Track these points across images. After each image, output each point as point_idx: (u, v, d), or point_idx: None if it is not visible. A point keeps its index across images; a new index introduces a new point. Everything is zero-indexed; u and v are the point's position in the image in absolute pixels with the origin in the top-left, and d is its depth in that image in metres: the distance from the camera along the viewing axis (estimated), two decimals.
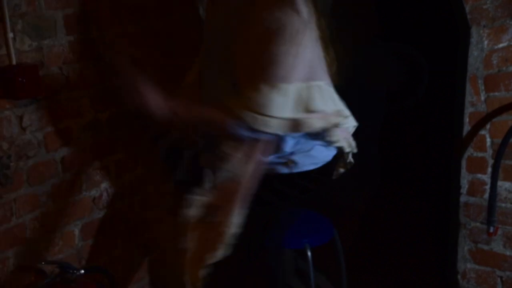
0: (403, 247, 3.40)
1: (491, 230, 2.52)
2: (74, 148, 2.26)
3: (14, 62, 1.97)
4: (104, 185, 2.40)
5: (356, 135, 2.19)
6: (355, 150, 2.16)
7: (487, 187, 2.58)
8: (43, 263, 2.14)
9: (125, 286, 2.55)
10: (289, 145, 1.99)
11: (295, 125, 1.88)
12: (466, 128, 2.61)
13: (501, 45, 2.48)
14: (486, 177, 2.60)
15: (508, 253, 2.62)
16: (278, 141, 1.96)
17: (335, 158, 2.14)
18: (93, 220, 2.38)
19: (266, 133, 1.86)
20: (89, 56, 2.26)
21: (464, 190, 2.67)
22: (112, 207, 2.45)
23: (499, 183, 2.54)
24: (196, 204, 1.95)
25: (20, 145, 2.07)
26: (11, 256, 2.08)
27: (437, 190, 3.50)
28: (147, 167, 2.57)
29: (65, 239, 2.27)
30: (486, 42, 2.49)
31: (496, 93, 2.52)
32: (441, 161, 3.53)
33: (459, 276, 2.75)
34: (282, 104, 1.83)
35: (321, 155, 2.08)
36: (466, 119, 2.60)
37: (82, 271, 2.15)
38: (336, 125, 2.01)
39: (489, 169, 2.58)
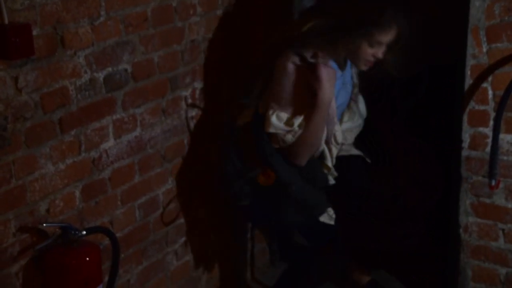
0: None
1: (493, 183, 2.50)
2: (72, 108, 2.24)
3: (6, 22, 1.94)
4: (103, 145, 2.39)
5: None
6: None
7: (489, 140, 2.56)
8: (44, 224, 2.15)
9: (128, 246, 2.56)
10: None
11: None
12: (468, 81, 2.57)
13: None
14: (488, 131, 2.58)
15: (510, 205, 2.61)
16: None
17: None
18: (93, 181, 2.38)
19: None
20: (84, 14, 2.22)
21: (465, 144, 2.65)
22: (112, 168, 2.44)
23: (501, 136, 2.52)
24: None
25: (17, 106, 2.05)
26: (12, 218, 2.08)
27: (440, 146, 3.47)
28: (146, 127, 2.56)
29: (65, 200, 2.27)
30: None
31: (499, 44, 2.48)
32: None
33: (461, 230, 2.75)
34: None
35: None
36: (468, 72, 2.56)
37: (84, 232, 2.16)
38: None
39: (491, 122, 2.56)
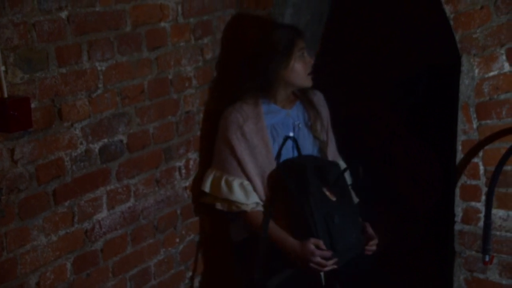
0: (400, 276, 3.37)
1: (487, 258, 2.50)
2: (66, 180, 2.24)
3: (5, 95, 1.97)
4: (96, 216, 2.38)
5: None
6: None
7: (482, 215, 2.58)
8: None
9: None
10: None
11: None
12: (459, 156, 2.61)
13: (491, 74, 2.50)
14: (480, 205, 2.60)
15: (504, 282, 2.60)
16: None
17: None
18: (85, 253, 2.35)
19: None
20: (82, 87, 2.26)
21: (458, 218, 2.67)
22: (104, 239, 2.42)
23: (493, 211, 2.53)
24: None
25: (11, 178, 2.05)
26: None
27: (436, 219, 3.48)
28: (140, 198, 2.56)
29: (56, 272, 2.24)
30: (476, 71, 2.51)
31: (488, 121, 2.53)
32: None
33: None
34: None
35: None
36: (459, 147, 2.61)
37: None
38: None
39: (483, 197, 2.58)
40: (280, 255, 2.57)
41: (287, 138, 2.67)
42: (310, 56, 2.69)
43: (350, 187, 2.75)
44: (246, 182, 2.62)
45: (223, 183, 2.64)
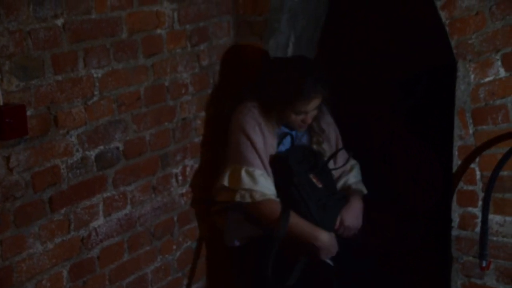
0: (400, 277, 3.36)
1: (484, 264, 2.50)
2: (62, 187, 2.24)
3: (1, 103, 1.97)
4: (93, 224, 2.38)
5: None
6: None
7: (478, 220, 2.58)
8: None
9: None
10: None
11: None
12: (456, 161, 2.61)
13: (487, 79, 2.50)
14: (477, 211, 2.60)
15: (501, 287, 2.60)
16: None
17: None
18: (82, 261, 2.35)
19: None
20: (78, 94, 2.26)
21: (455, 223, 2.66)
22: (101, 246, 2.42)
23: (490, 216, 2.53)
24: None
25: (7, 186, 2.05)
26: None
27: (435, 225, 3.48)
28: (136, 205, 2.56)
29: (53, 280, 2.24)
30: (472, 76, 2.52)
31: (484, 127, 2.53)
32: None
33: None
34: None
35: None
36: (456, 153, 2.61)
37: None
38: None
39: (480, 203, 2.58)
40: (285, 252, 2.56)
41: (285, 134, 2.69)
42: (311, 117, 2.67)
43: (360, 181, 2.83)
44: (265, 174, 2.59)
45: (243, 173, 2.55)
